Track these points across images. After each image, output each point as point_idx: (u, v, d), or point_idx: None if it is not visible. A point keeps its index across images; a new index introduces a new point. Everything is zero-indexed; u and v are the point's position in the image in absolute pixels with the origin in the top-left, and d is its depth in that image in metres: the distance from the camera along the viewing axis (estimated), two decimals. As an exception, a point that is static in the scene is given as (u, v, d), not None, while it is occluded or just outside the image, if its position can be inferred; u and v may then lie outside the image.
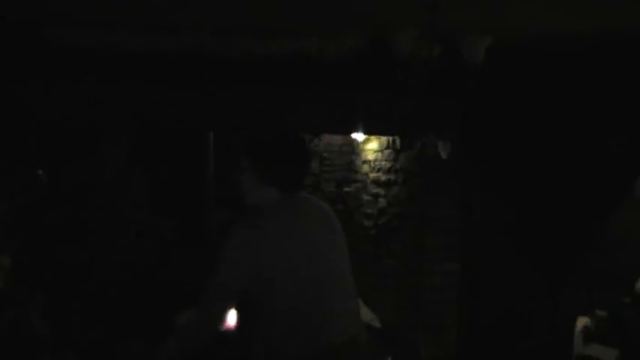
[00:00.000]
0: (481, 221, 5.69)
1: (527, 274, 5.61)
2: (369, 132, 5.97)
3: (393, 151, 6.39)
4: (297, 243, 2.99)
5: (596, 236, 5.45)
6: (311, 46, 4.98)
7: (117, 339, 5.28)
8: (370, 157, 6.82)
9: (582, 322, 5.43)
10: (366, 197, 6.93)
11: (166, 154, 6.29)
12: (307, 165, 3.25)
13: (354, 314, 3.15)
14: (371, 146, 6.76)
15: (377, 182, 6.67)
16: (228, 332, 5.88)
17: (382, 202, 6.58)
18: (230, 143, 6.48)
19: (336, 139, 7.36)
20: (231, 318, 5.90)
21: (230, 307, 3.18)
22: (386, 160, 6.49)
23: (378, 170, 6.65)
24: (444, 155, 5.70)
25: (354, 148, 7.17)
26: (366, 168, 6.95)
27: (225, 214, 6.16)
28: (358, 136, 6.40)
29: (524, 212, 5.63)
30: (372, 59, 5.02)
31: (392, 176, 6.38)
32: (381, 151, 6.58)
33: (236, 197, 3.14)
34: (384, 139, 6.49)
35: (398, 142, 6.30)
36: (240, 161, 3.09)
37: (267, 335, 3.03)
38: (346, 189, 7.38)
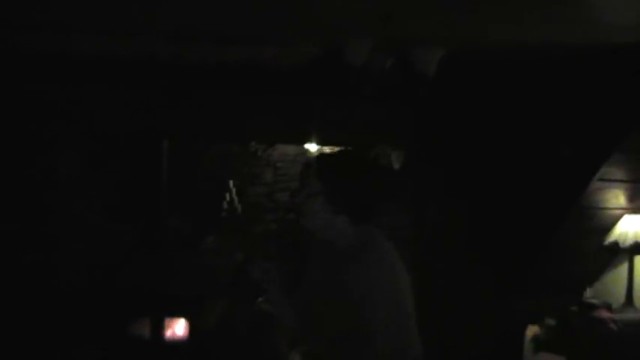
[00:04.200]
0: (433, 230, 5.73)
1: (479, 282, 5.66)
2: (322, 142, 5.99)
3: (347, 161, 6.40)
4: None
5: (547, 244, 5.53)
6: (266, 54, 4.98)
7: (71, 345, 5.21)
8: (324, 167, 6.82)
9: (532, 330, 5.49)
10: (319, 207, 6.92)
11: (122, 160, 6.23)
12: (383, 192, 2.89)
13: None
14: (324, 157, 6.76)
15: (331, 192, 6.67)
16: (179, 342, 5.84)
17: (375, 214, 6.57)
18: (184, 151, 6.44)
19: (291, 148, 7.35)
20: (180, 328, 5.87)
21: None
22: (339, 171, 6.49)
23: (332, 181, 6.65)
24: (396, 165, 5.74)
25: (308, 158, 7.17)
26: (320, 178, 6.94)
27: (177, 222, 6.12)
28: (311, 147, 6.41)
29: (476, 220, 5.69)
30: (327, 69, 5.04)
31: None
32: (334, 162, 6.58)
33: (191, 207, 3.09)
34: (337, 149, 6.49)
35: (351, 152, 6.31)
36: (309, 185, 2.69)
37: None
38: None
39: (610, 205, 5.49)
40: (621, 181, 5.37)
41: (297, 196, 2.77)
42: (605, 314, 5.32)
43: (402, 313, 2.73)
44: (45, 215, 5.32)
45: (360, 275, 2.61)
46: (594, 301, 5.49)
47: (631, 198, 5.52)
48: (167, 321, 5.78)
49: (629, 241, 5.43)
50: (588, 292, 5.66)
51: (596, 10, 3.91)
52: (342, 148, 3.36)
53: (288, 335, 4.75)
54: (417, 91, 4.97)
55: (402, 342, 2.72)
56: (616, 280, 5.72)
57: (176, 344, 5.81)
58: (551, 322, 5.45)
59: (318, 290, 2.78)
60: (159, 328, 5.61)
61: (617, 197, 5.48)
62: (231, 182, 6.84)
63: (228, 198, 6.90)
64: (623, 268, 5.62)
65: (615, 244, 5.51)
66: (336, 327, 2.68)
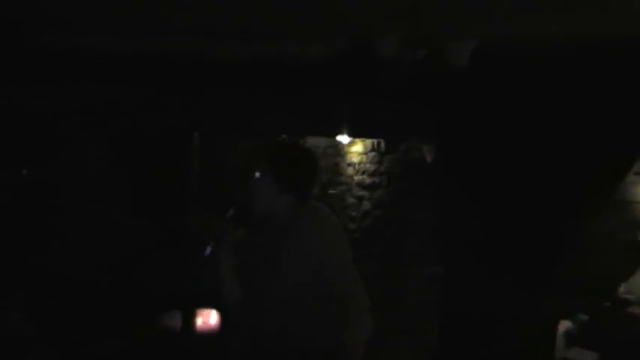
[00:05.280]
0: (461, 225, 5.69)
1: (506, 279, 5.61)
2: (352, 135, 5.98)
3: (378, 154, 6.40)
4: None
5: (581, 239, 5.48)
6: (294, 49, 4.97)
7: (99, 338, 5.27)
8: (355, 159, 6.82)
9: (565, 325, 5.45)
10: (350, 200, 6.93)
11: (149, 155, 6.27)
12: (317, 174, 3.28)
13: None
14: (356, 149, 6.76)
15: (361, 185, 6.67)
16: (211, 332, 5.89)
17: (366, 204, 6.58)
18: (213, 146, 6.46)
19: (321, 141, 7.35)
20: (213, 318, 5.91)
21: None
22: (370, 163, 6.49)
23: (363, 173, 6.65)
24: (428, 159, 5.71)
25: (339, 150, 7.17)
26: (350, 171, 6.94)
27: (206, 215, 6.14)
28: (343, 139, 6.40)
29: (504, 216, 5.64)
30: (356, 63, 5.02)
31: (376, 179, 6.39)
32: (365, 153, 6.58)
33: (225, 200, 3.16)
34: (368, 141, 6.49)
35: (383, 145, 6.31)
36: (258, 167, 3.08)
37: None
38: (331, 191, 7.37)
39: (646, 199, 5.43)
40: (658, 174, 5.31)
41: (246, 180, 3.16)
42: (639, 310, 5.25)
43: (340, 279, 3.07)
44: (72, 211, 5.37)
45: (297, 242, 3.04)
46: (629, 296, 5.42)
47: (668, 192, 5.44)
48: (198, 312, 5.83)
49: (665, 236, 5.36)
50: (623, 288, 5.59)
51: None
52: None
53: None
54: (447, 86, 4.93)
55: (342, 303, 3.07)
56: (652, 275, 5.64)
57: (207, 335, 5.85)
58: (584, 317, 5.41)
59: (263, 266, 3.11)
60: (189, 319, 5.65)
61: (653, 191, 5.41)
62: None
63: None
64: (660, 264, 5.54)
65: (652, 238, 5.44)
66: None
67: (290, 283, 3.05)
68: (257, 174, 3.08)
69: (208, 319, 5.91)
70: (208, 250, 3.17)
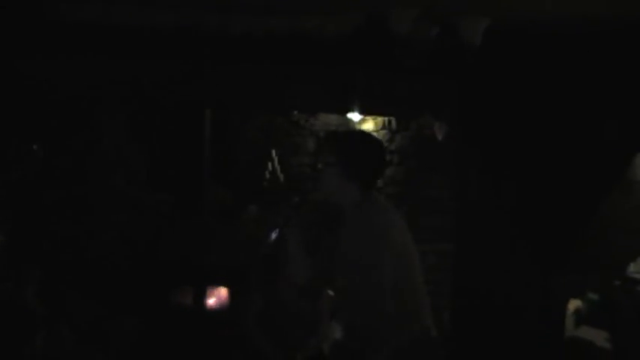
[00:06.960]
0: (476, 203, 5.69)
1: (519, 257, 5.62)
2: (365, 112, 5.96)
3: (389, 131, 6.39)
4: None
5: (589, 220, 5.47)
6: (309, 23, 4.95)
7: (111, 315, 5.29)
8: (366, 137, 6.80)
9: (574, 304, 5.46)
10: (361, 177, 6.92)
11: (164, 130, 6.26)
12: (385, 166, 3.49)
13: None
14: (367, 127, 6.74)
15: (373, 162, 6.66)
16: (220, 310, 5.90)
17: (378, 182, 6.57)
18: (226, 121, 6.44)
19: (333, 118, 7.32)
20: (224, 295, 5.93)
21: None
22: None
23: (374, 151, 6.64)
24: (439, 136, 5.70)
25: (350, 128, 7.14)
26: (361, 148, 6.92)
27: (221, 193, 6.14)
28: (354, 116, 6.39)
29: (518, 195, 5.64)
30: (370, 38, 5.00)
31: (387, 157, 6.38)
32: (376, 131, 6.57)
33: (235, 176, 3.24)
34: (379, 119, 6.47)
35: (394, 122, 6.30)
36: (326, 156, 3.28)
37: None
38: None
39: (658, 180, 5.42)
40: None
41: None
42: (649, 289, 5.26)
43: (403, 274, 3.27)
44: (88, 186, 5.38)
45: (352, 233, 3.17)
46: (638, 275, 5.42)
47: (681, 172, 5.43)
48: (209, 290, 5.84)
49: (677, 216, 5.36)
50: (632, 267, 5.59)
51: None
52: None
53: (330, 305, 4.77)
54: (461, 62, 4.92)
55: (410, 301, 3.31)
56: (661, 254, 5.64)
57: (217, 312, 5.86)
58: (593, 296, 5.42)
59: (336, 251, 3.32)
60: (201, 296, 5.66)
61: (666, 171, 5.40)
62: (273, 151, 6.84)
63: (270, 167, 6.90)
64: (669, 243, 5.54)
65: (662, 218, 5.44)
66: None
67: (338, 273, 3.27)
68: (324, 163, 3.28)
69: (219, 296, 5.93)
70: (274, 234, 3.40)
